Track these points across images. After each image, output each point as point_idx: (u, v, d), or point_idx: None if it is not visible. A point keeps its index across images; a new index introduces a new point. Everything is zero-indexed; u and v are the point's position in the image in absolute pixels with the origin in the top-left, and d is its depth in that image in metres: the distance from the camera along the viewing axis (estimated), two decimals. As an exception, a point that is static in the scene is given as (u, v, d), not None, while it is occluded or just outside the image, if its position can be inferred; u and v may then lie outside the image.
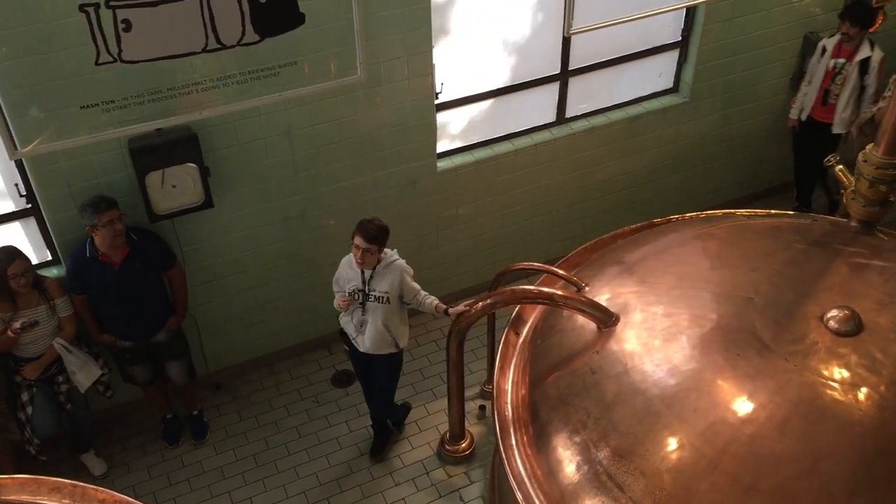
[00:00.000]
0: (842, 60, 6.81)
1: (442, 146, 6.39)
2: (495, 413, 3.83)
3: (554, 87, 6.56)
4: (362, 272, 5.13)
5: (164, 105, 4.83)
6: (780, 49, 7.05)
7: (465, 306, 4.68)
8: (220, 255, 5.96)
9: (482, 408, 6.20)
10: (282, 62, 4.98)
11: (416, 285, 5.20)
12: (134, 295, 5.36)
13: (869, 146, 3.99)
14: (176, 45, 4.58)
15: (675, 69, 6.99)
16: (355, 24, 4.92)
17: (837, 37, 6.79)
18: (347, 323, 5.37)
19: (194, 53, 4.66)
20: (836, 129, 7.07)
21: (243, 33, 4.68)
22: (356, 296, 5.19)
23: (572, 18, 5.13)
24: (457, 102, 6.27)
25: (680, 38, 6.82)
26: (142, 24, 4.43)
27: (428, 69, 5.80)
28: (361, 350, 5.38)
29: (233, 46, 4.72)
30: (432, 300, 5.20)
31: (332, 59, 5.18)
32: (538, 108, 6.62)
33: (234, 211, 5.78)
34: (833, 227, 4.25)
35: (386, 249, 5.11)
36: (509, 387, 3.98)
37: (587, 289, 4.08)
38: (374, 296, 5.16)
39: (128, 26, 4.44)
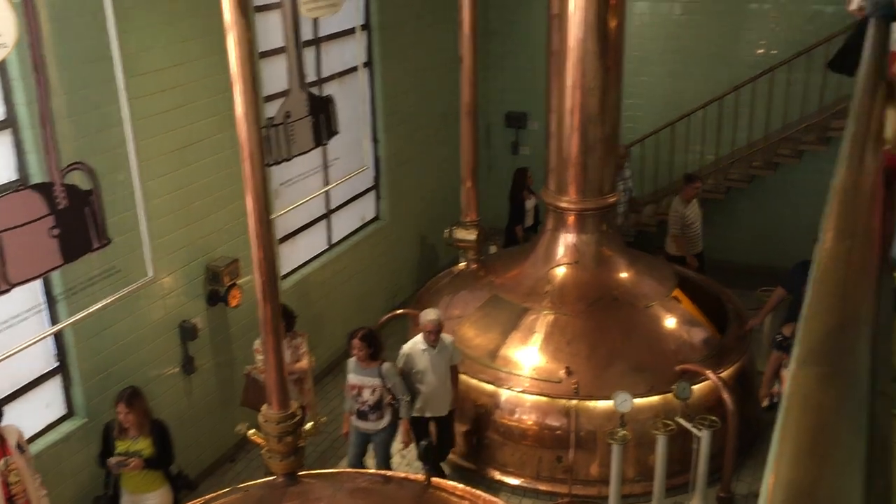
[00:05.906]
0: None
1: None
2: None
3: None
4: None
5: None
6: (160, 343, 7.23)
7: None
8: None
9: None
10: None
11: None
12: None
13: (263, 407, 4.26)
14: None
15: (63, 395, 6.62)
16: None
17: None
18: None
19: None
20: None
21: None
22: None
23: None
24: None
25: (57, 364, 6.52)
26: None
27: None
28: None
29: None
30: None
31: None
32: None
33: None
34: (266, 491, 4.36)
35: None
36: None
37: None
38: None
39: None
